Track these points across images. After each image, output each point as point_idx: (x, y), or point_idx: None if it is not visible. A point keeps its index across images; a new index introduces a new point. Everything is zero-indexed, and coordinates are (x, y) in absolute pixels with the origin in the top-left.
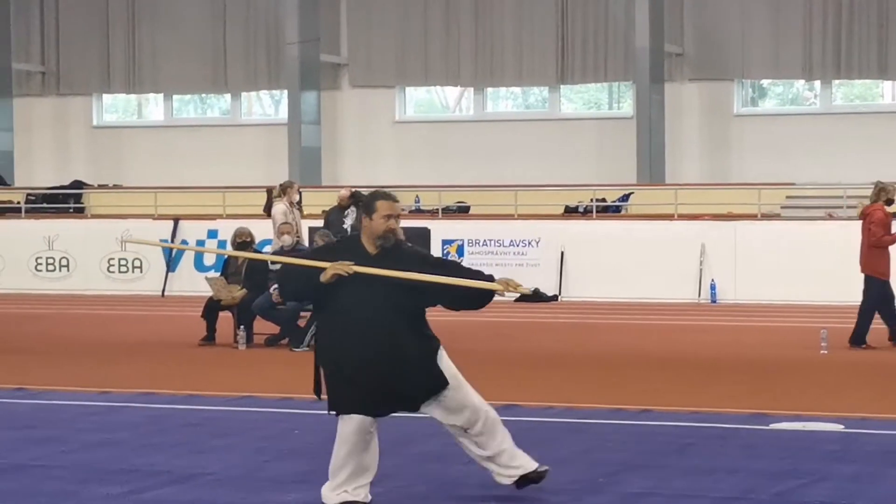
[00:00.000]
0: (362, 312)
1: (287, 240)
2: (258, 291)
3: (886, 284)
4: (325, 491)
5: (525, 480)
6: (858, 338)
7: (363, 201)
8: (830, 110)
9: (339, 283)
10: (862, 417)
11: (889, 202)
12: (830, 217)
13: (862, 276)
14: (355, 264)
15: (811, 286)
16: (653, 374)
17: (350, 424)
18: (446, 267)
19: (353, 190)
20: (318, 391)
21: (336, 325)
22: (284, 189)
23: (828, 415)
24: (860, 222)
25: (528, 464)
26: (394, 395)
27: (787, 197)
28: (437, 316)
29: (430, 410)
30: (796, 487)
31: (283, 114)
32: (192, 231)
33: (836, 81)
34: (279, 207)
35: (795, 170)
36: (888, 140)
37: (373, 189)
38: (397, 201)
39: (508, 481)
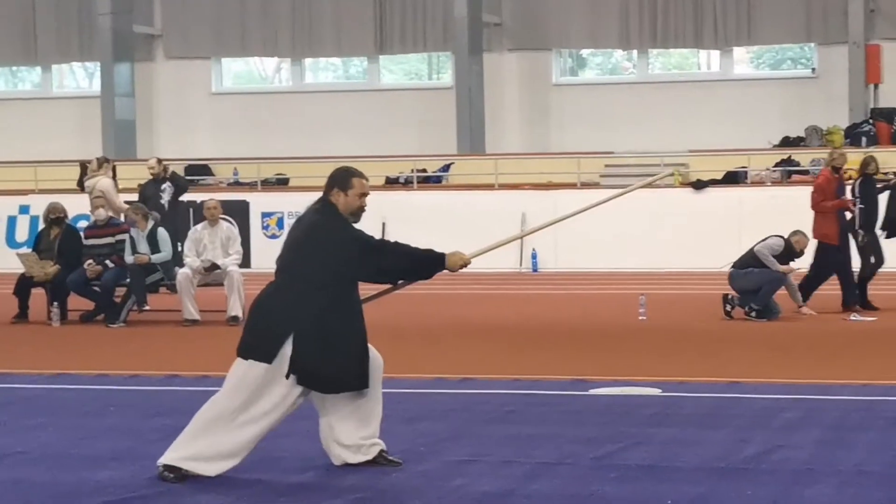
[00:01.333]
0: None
1: (101, 214)
2: (72, 267)
3: (838, 250)
4: None
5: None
6: (848, 298)
7: (336, 176)
8: (648, 79)
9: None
10: (680, 381)
11: (836, 169)
12: (648, 185)
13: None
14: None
15: (630, 254)
16: (474, 342)
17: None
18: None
19: (164, 162)
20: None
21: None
22: (101, 163)
23: (646, 379)
24: (679, 189)
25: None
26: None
27: (606, 166)
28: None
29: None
30: (615, 451)
31: (96, 86)
32: (3, 206)
33: (654, 51)
34: (106, 182)
35: (614, 139)
36: (704, 109)
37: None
38: (368, 179)
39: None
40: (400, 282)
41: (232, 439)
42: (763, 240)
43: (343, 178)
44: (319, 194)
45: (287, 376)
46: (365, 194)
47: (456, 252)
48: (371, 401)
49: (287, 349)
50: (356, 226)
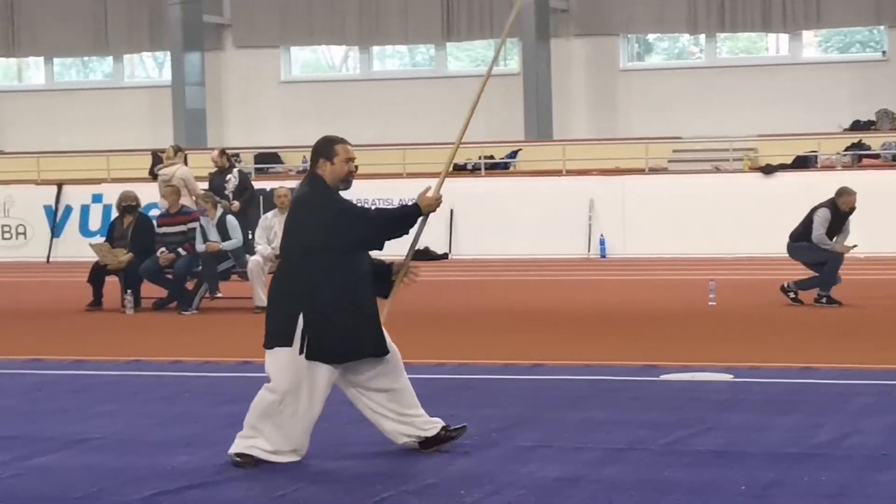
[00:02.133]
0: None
1: (174, 202)
2: (145, 255)
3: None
4: None
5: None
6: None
7: (319, 147)
8: (715, 64)
9: None
10: (750, 367)
11: None
12: (717, 170)
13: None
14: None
15: (699, 239)
16: (543, 329)
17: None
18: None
19: (226, 151)
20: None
21: (333, 278)
22: (176, 151)
23: (717, 365)
24: (748, 174)
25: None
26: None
27: (674, 151)
28: None
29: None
30: (686, 437)
31: (166, 76)
32: (76, 196)
33: (721, 35)
34: (185, 170)
35: (682, 124)
36: (773, 93)
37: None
38: (351, 144)
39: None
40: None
41: (286, 432)
42: (814, 209)
43: (326, 148)
44: (387, 181)
45: (301, 353)
46: (351, 159)
47: (421, 195)
48: (404, 393)
49: (300, 328)
50: (345, 194)
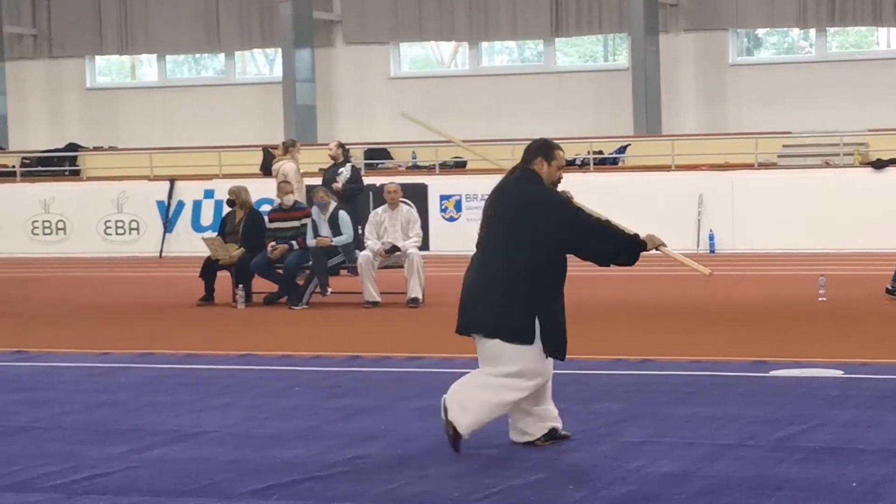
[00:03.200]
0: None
1: (289, 199)
2: (256, 250)
3: None
4: None
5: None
6: None
7: (540, 145)
8: (826, 58)
9: None
10: (861, 363)
11: None
12: (827, 165)
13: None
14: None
15: (809, 234)
16: (652, 324)
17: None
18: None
19: (344, 144)
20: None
21: (558, 280)
22: (287, 148)
23: (827, 361)
24: (858, 169)
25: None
26: None
27: (784, 146)
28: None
29: None
30: (797, 433)
31: (277, 72)
32: (188, 191)
33: (831, 29)
34: (291, 166)
35: (792, 119)
36: (884, 87)
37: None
38: None
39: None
40: None
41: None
42: None
43: (547, 148)
44: (497, 177)
45: (547, 355)
46: (563, 167)
47: (649, 235)
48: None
49: (538, 330)
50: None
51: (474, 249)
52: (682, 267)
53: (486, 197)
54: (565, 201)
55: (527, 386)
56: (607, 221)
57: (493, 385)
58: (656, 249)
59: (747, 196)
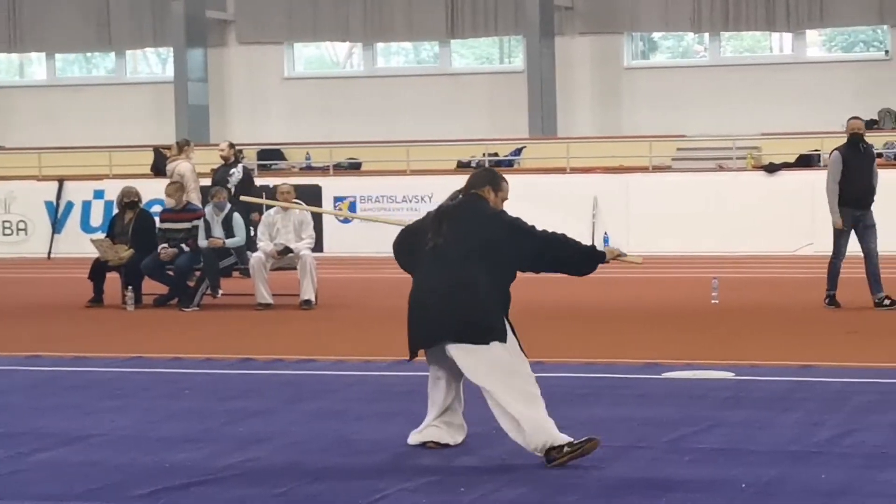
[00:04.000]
0: None
1: (180, 199)
2: (146, 252)
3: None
4: None
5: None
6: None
7: (488, 175)
8: (720, 62)
9: None
10: (752, 365)
11: None
12: (721, 168)
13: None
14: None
15: (702, 237)
16: (546, 325)
17: None
18: None
19: (237, 147)
20: None
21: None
22: (181, 147)
23: (719, 363)
24: (751, 172)
25: None
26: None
27: (678, 149)
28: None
29: None
30: (689, 434)
31: (169, 72)
32: (77, 191)
33: (726, 34)
34: (186, 165)
35: (686, 122)
36: (776, 92)
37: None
38: None
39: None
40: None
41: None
42: None
43: (496, 179)
44: (392, 178)
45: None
46: (506, 200)
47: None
48: None
49: (508, 328)
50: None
51: (390, 251)
52: None
53: (429, 213)
54: (523, 220)
55: (529, 371)
56: (563, 235)
57: (518, 395)
58: (615, 259)
59: (642, 198)
